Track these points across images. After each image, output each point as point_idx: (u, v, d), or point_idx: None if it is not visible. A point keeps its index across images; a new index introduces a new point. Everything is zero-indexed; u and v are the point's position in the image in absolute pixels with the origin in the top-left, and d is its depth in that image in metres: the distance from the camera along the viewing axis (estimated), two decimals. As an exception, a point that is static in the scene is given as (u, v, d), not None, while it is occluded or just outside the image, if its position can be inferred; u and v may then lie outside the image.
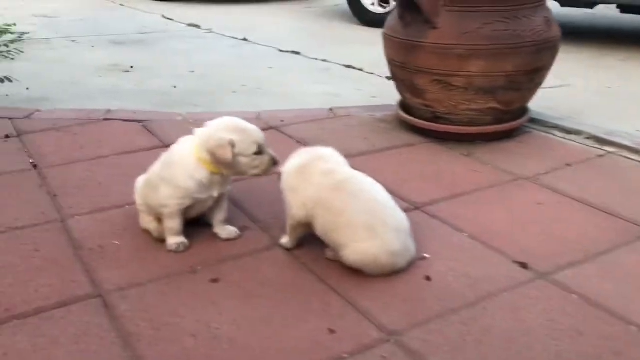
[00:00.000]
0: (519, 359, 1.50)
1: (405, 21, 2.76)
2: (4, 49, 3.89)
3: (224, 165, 1.87)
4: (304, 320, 1.64)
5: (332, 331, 1.59)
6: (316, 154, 1.95)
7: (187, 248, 1.96)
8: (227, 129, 1.87)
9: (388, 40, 2.92)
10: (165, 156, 1.98)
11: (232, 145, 1.83)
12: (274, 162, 1.93)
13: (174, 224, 1.94)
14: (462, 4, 2.62)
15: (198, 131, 1.91)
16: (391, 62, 2.96)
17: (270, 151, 1.93)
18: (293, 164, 1.95)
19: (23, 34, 4.24)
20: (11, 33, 3.91)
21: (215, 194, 1.97)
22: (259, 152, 1.89)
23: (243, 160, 1.87)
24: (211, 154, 1.84)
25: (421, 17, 2.68)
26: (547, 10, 2.79)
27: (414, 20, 2.73)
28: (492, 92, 2.72)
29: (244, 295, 1.74)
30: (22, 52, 4.21)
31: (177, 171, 1.89)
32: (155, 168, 1.98)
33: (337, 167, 1.92)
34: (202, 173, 1.89)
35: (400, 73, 2.89)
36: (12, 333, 1.58)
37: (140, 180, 2.08)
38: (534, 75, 2.77)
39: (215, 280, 1.82)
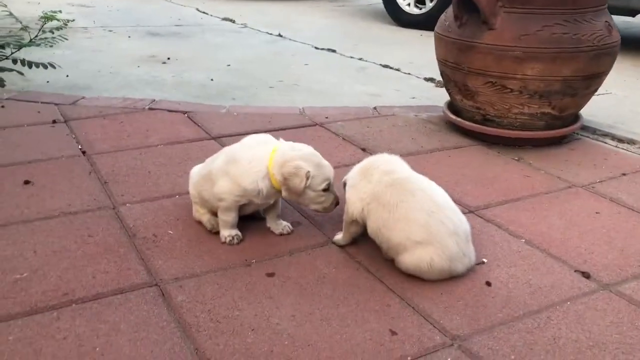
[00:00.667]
0: (589, 372, 1.45)
1: (460, 21, 2.71)
2: (49, 35, 3.91)
3: (292, 192, 1.85)
4: (364, 320, 1.61)
5: (393, 332, 1.56)
6: (381, 157, 1.93)
7: (240, 240, 1.95)
8: (307, 160, 1.85)
9: (440, 39, 2.87)
10: (233, 150, 1.94)
11: (308, 177, 1.82)
12: (336, 203, 1.93)
13: (228, 217, 1.93)
14: (521, 6, 2.57)
15: (281, 145, 1.89)
16: (443, 62, 2.91)
17: (335, 191, 1.92)
18: (359, 164, 1.94)
19: (68, 21, 4.27)
20: (57, 20, 3.93)
21: (272, 201, 1.97)
22: (327, 189, 1.88)
23: (311, 194, 1.86)
24: (284, 178, 1.82)
25: (478, 18, 2.63)
26: (608, 14, 2.72)
27: (469, 21, 2.68)
28: (547, 97, 2.66)
29: (301, 291, 1.71)
30: (67, 39, 4.23)
31: (244, 170, 1.86)
32: (218, 161, 1.94)
33: (398, 168, 1.88)
34: (266, 184, 1.86)
35: (452, 73, 2.84)
36: (72, 317, 1.57)
37: (195, 171, 2.07)
38: (591, 81, 2.70)
39: (270, 275, 1.79)
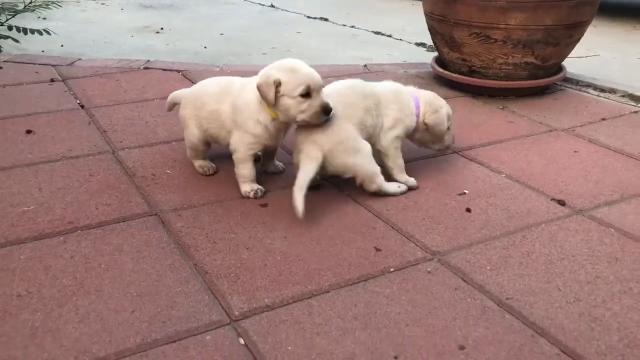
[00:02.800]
0: (560, 279, 1.56)
1: (445, -27, 2.78)
2: (42, 2, 3.97)
3: (269, 105, 1.79)
4: (351, 240, 1.72)
5: (378, 249, 1.67)
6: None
7: (264, 194, 1.95)
8: (279, 68, 1.79)
9: (427, -7, 2.95)
10: (235, 96, 1.91)
11: (277, 84, 1.76)
12: (325, 110, 1.78)
13: (245, 170, 1.93)
14: (504, -44, 2.64)
15: (260, 72, 1.86)
16: (429, 16, 2.99)
17: (324, 98, 1.80)
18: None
19: (61, -12, 4.32)
20: (51, -13, 3.99)
21: (281, 140, 1.96)
22: (307, 94, 1.77)
23: (288, 101, 1.77)
24: (258, 91, 1.79)
25: (462, -31, 2.70)
26: (589, -36, 2.80)
27: (454, -27, 2.76)
28: (530, 46, 2.75)
29: (292, 218, 1.82)
30: (61, 6, 4.29)
31: (245, 117, 1.86)
32: (226, 106, 1.91)
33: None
34: (264, 116, 1.84)
35: (439, 26, 2.93)
36: (77, 241, 1.68)
37: (189, 96, 2.04)
38: (572, 31, 2.79)
39: (264, 205, 1.90)
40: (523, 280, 1.55)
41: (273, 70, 1.80)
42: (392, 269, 1.59)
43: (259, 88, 1.79)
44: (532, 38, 2.72)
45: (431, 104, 2.04)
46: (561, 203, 1.96)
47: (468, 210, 1.90)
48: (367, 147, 1.89)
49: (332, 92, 1.89)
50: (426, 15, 3.04)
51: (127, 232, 1.72)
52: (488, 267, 1.60)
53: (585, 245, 1.72)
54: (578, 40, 2.91)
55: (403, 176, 2.03)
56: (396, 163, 2.01)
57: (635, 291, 1.52)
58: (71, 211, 1.82)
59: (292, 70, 1.79)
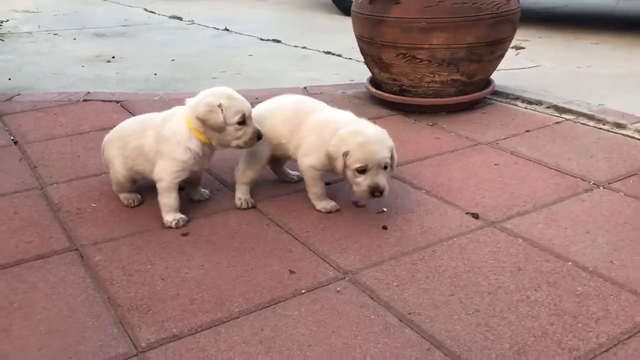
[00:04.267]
0: (463, 292, 1.62)
1: (370, -3, 2.88)
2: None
3: (215, 131, 1.87)
4: (267, 265, 1.76)
5: (292, 272, 1.72)
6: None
7: (186, 223, 1.99)
8: (215, 95, 1.87)
9: (356, 17, 3.05)
10: (157, 126, 1.95)
11: (222, 109, 1.84)
12: (258, 136, 1.92)
13: (170, 199, 1.96)
14: (423, -20, 2.75)
15: (188, 101, 1.94)
16: (359, 39, 3.09)
17: (255, 124, 1.93)
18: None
19: (2, 21, 4.32)
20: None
21: (206, 165, 2.02)
22: (243, 121, 1.89)
23: (228, 129, 1.87)
24: (202, 120, 1.86)
25: (384, -7, 2.80)
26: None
27: (378, -3, 2.85)
28: (454, 64, 2.85)
29: (212, 246, 1.86)
30: (2, 40, 4.29)
31: (173, 144, 1.90)
32: (149, 140, 1.95)
33: None
34: (195, 143, 1.91)
35: (368, 48, 3.02)
36: (-7, 281, 1.69)
37: (114, 138, 2.08)
38: (494, 47, 2.90)
39: (185, 234, 1.94)
40: (427, 294, 1.61)
41: (211, 98, 1.87)
42: (303, 291, 1.64)
43: (203, 117, 1.84)
44: (455, 56, 2.82)
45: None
46: (475, 216, 2.03)
47: (384, 227, 1.96)
48: None
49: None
50: (356, 37, 3.13)
51: (45, 269, 1.74)
52: (395, 284, 1.66)
53: (491, 256, 1.79)
54: (502, 56, 3.03)
55: (320, 203, 2.08)
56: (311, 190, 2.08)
57: (532, 299, 1.59)
58: (-10, 251, 1.84)
59: (229, 97, 1.89)
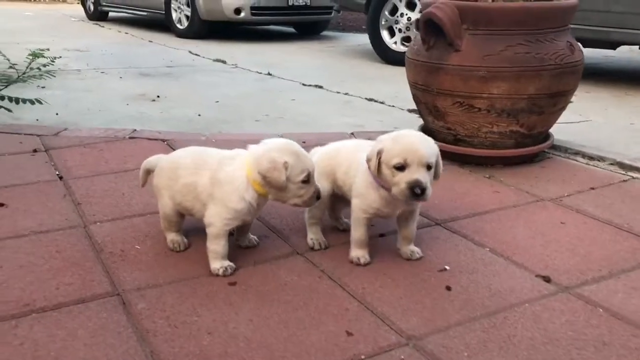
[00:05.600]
0: (542, 367, 1.45)
1: (428, 44, 2.80)
2: (36, 72, 4.03)
3: (275, 188, 1.78)
4: (322, 323, 1.62)
5: (349, 333, 1.57)
6: None
7: (234, 271, 1.87)
8: (281, 150, 1.76)
9: (410, 63, 2.96)
10: (214, 169, 1.84)
11: (286, 167, 1.74)
12: (318, 196, 1.83)
13: (218, 246, 1.85)
14: (485, 27, 2.66)
15: (251, 148, 1.84)
16: (414, 85, 2.99)
17: (317, 184, 1.84)
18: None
19: (55, 58, 4.40)
20: (44, 57, 4.06)
21: (260, 212, 1.92)
22: (307, 180, 1.78)
23: (291, 187, 1.76)
24: (263, 176, 1.75)
25: (444, 40, 2.72)
26: (570, 35, 2.81)
27: (436, 44, 2.77)
28: (514, 115, 2.73)
29: (261, 298, 1.73)
30: (54, 76, 4.35)
31: (228, 191, 1.80)
32: (204, 180, 1.84)
33: None
34: (252, 194, 1.80)
35: (423, 96, 2.92)
36: (30, 325, 1.58)
37: (165, 165, 1.97)
38: (556, 99, 2.77)
39: (232, 284, 1.81)
40: (503, 368, 1.44)
41: (276, 154, 1.75)
42: (363, 356, 1.48)
43: (265, 173, 1.74)
44: (515, 107, 2.70)
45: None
46: (546, 279, 1.86)
47: (448, 288, 1.80)
48: None
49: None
50: (410, 84, 3.05)
51: (85, 315, 1.63)
52: (465, 353, 1.50)
53: (570, 327, 1.61)
54: (563, 108, 2.89)
55: (355, 250, 1.95)
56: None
57: (624, 381, 1.40)
58: (29, 292, 1.74)
59: (295, 154, 1.77)
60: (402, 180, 1.72)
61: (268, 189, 1.79)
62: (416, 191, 1.70)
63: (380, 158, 1.76)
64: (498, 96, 2.67)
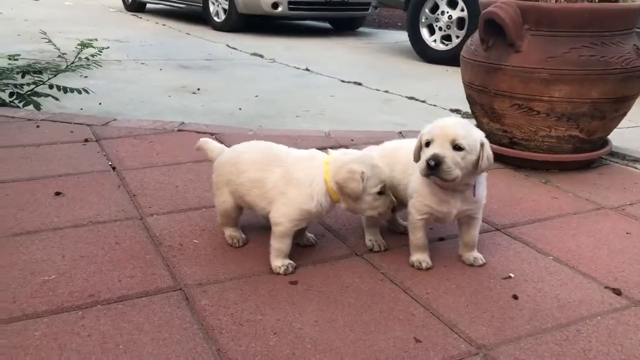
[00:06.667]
0: (622, 385, 1.39)
1: (486, 44, 2.73)
2: (84, 62, 4.06)
3: (350, 198, 1.77)
4: (388, 328, 1.58)
5: (417, 340, 1.53)
6: None
7: (294, 269, 1.85)
8: (359, 162, 1.76)
9: (467, 63, 2.89)
10: (289, 166, 1.82)
11: (364, 179, 1.73)
12: (394, 207, 1.83)
13: (283, 245, 1.83)
14: (548, 28, 2.59)
15: (333, 155, 1.83)
16: (469, 86, 2.93)
17: (392, 196, 1.83)
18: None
19: (103, 48, 4.44)
20: (93, 47, 4.10)
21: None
22: (382, 192, 1.79)
23: (366, 198, 1.76)
24: (340, 185, 1.75)
25: (504, 41, 2.65)
26: (637, 38, 2.71)
27: (495, 44, 2.70)
28: (574, 120, 2.64)
29: (324, 299, 1.70)
30: (101, 65, 4.39)
31: (307, 194, 1.78)
32: (275, 176, 1.81)
33: None
34: (327, 200, 1.80)
35: (478, 97, 2.86)
36: (96, 317, 1.58)
37: (227, 161, 1.94)
38: (619, 105, 2.68)
39: (293, 283, 1.78)
40: (581, 384, 1.39)
41: (354, 165, 1.75)
42: (433, 364, 1.44)
43: (343, 183, 1.74)
44: (577, 111, 2.62)
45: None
46: (617, 292, 1.79)
47: (515, 297, 1.75)
48: None
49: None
50: (465, 85, 2.98)
51: (149, 309, 1.62)
52: (540, 367, 1.44)
53: (648, 344, 1.55)
54: (625, 114, 2.80)
55: (415, 255, 1.92)
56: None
57: None
58: (93, 282, 1.74)
59: (372, 166, 1.77)
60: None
61: (343, 198, 1.79)
62: (430, 163, 1.67)
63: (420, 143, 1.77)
64: (559, 99, 2.60)
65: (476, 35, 2.84)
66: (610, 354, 1.50)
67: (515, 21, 2.60)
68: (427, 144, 1.73)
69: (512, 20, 2.59)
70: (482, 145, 1.73)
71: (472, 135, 1.73)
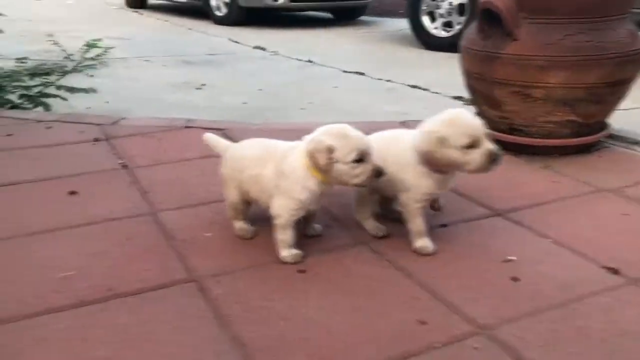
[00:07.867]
0: (614, 358, 1.46)
1: (484, 33, 2.78)
2: (91, 62, 4.14)
3: (325, 171, 1.79)
4: (394, 311, 1.66)
5: (422, 322, 1.61)
6: None
7: (302, 259, 1.92)
8: (329, 134, 1.78)
9: (466, 52, 2.95)
10: (278, 160, 1.88)
11: (331, 150, 1.75)
12: (378, 173, 1.80)
13: (286, 235, 1.91)
14: (543, 16, 2.63)
15: (306, 137, 1.87)
16: (468, 74, 2.98)
17: (375, 161, 1.82)
18: None
19: (109, 48, 4.51)
20: (98, 47, 4.17)
21: (324, 199, 1.95)
22: (360, 159, 1.77)
23: (342, 167, 1.76)
24: (309, 157, 1.79)
25: (501, 29, 2.70)
26: (631, 23, 2.76)
27: (493, 33, 2.75)
28: (571, 105, 2.70)
29: (332, 286, 1.78)
30: (108, 65, 4.46)
31: (290, 182, 1.84)
32: (269, 170, 1.89)
33: None
34: (313, 182, 1.84)
35: (478, 85, 2.91)
36: (116, 309, 1.67)
37: (235, 155, 2.03)
38: (616, 88, 2.73)
39: (301, 271, 1.86)
40: (577, 359, 1.46)
41: (323, 137, 1.79)
42: (437, 345, 1.52)
43: (310, 155, 1.78)
44: (573, 96, 2.67)
45: None
46: (614, 271, 1.86)
47: (515, 279, 1.82)
48: None
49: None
50: (464, 73, 3.03)
51: (166, 300, 1.71)
52: (539, 344, 1.52)
53: (643, 320, 1.62)
54: (621, 97, 2.85)
55: (420, 240, 1.99)
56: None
57: (702, 374, 1.41)
58: (111, 277, 1.82)
59: (343, 136, 1.79)
60: (480, 154, 1.82)
61: (322, 174, 1.80)
62: (498, 158, 1.83)
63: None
64: (556, 85, 2.65)
65: (474, 25, 2.89)
66: (606, 330, 1.57)
67: (511, 10, 2.65)
68: (471, 145, 1.80)
69: (508, 9, 2.64)
70: None
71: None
